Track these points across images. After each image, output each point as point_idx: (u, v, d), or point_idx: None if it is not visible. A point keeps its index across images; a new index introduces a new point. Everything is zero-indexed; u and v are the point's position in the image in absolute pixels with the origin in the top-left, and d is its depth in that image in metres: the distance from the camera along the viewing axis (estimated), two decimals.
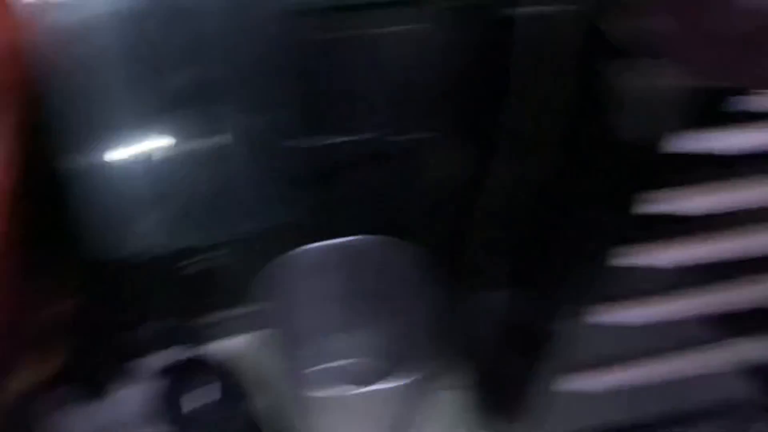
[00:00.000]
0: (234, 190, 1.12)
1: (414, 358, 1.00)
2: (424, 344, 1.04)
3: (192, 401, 1.09)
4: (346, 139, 1.11)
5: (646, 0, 0.69)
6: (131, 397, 1.15)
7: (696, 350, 0.98)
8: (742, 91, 0.65)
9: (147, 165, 1.01)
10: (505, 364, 1.06)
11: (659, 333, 0.94)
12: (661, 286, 0.86)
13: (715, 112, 0.66)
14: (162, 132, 1.02)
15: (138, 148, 0.98)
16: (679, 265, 0.79)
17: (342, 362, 1.29)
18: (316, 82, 1.05)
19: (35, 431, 0.97)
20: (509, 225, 0.97)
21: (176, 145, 1.02)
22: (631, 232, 0.76)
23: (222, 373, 1.20)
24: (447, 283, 1.09)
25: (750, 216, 0.78)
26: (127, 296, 1.15)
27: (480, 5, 0.95)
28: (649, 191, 0.72)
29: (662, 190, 0.73)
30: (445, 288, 1.06)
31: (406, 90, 1.09)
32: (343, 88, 1.07)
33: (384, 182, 1.22)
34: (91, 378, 1.14)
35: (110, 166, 0.98)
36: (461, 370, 1.18)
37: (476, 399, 1.17)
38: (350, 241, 1.19)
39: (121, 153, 0.95)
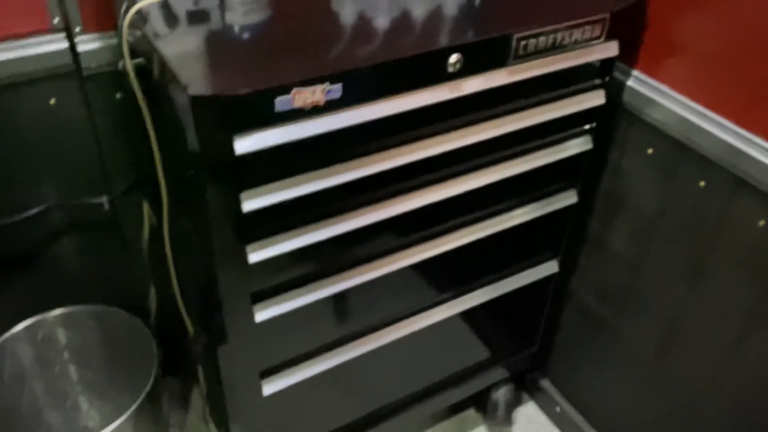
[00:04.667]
0: None
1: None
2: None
3: None
4: (35, 211, 1.11)
5: None
6: None
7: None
8: (281, 92, 0.72)
9: None
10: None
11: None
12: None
13: (265, 114, 0.73)
14: None
15: None
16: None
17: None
18: None
19: None
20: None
21: None
22: (242, 233, 0.81)
23: None
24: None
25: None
26: None
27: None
28: (239, 192, 0.77)
29: (250, 189, 0.78)
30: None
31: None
32: (10, 165, 1.08)
33: (91, 249, 1.23)
34: None
35: None
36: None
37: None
38: (58, 313, 1.19)
39: None
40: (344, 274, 0.95)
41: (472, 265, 1.14)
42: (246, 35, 0.85)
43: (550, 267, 1.23)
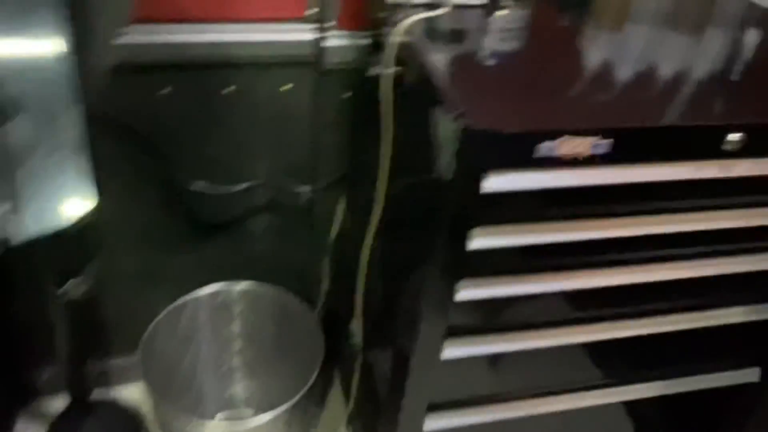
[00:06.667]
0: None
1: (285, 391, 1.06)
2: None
3: None
4: (245, 186, 1.15)
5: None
6: None
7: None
8: (548, 137, 0.67)
9: None
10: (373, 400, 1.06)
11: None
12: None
13: (522, 156, 0.69)
14: None
15: None
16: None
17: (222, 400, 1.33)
18: (212, 132, 1.10)
19: None
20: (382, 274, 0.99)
21: None
22: (460, 268, 0.78)
23: (118, 418, 1.21)
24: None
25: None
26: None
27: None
28: (471, 228, 0.74)
29: (483, 227, 0.74)
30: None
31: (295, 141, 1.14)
32: (235, 139, 1.12)
33: (280, 231, 1.25)
34: None
35: None
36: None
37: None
38: (241, 286, 1.22)
39: None
40: (540, 333, 0.89)
41: (658, 352, 1.04)
42: (508, 64, 0.82)
43: (750, 374, 1.10)
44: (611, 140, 0.70)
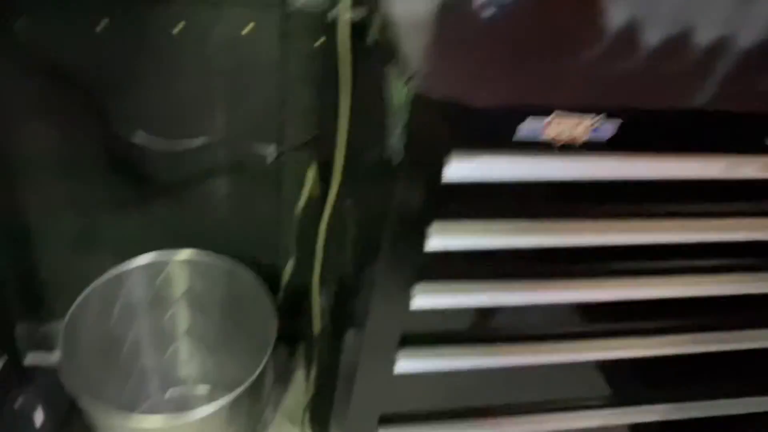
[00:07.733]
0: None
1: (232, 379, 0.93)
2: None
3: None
4: (199, 142, 0.99)
5: None
6: None
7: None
8: (534, 114, 0.50)
9: None
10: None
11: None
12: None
13: (499, 137, 0.52)
14: None
15: None
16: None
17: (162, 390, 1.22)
18: (159, 77, 0.94)
19: None
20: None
21: None
22: (415, 271, 0.62)
23: (41, 382, 1.10)
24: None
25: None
26: None
27: None
28: (428, 225, 0.58)
29: (444, 223, 0.58)
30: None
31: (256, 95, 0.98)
32: (187, 88, 0.96)
33: (241, 198, 1.10)
34: None
35: None
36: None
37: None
38: (186, 255, 1.07)
39: None
40: (510, 348, 0.73)
41: (661, 373, 0.88)
42: (500, 15, 0.64)
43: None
44: (618, 121, 0.52)
